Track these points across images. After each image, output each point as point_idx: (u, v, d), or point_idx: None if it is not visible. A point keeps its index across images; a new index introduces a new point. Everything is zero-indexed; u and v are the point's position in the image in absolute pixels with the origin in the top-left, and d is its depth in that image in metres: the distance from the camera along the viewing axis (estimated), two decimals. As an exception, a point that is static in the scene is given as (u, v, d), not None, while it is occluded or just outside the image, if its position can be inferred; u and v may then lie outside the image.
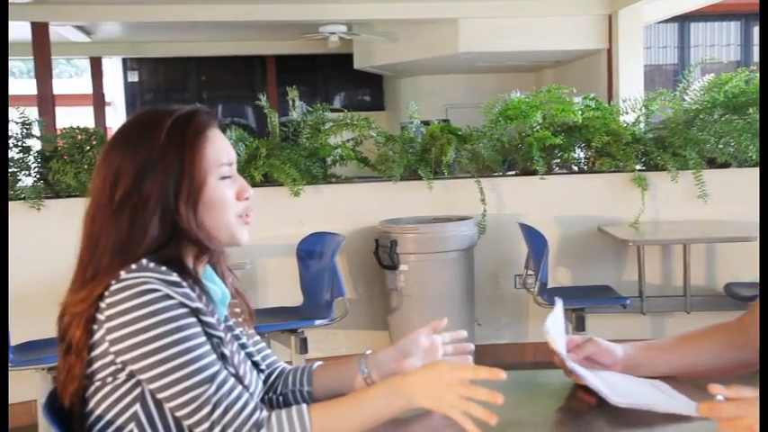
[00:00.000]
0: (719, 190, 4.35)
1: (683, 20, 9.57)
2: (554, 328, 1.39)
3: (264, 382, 1.46)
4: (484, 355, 4.38)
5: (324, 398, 1.38)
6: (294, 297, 4.05)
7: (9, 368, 3.17)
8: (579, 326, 3.93)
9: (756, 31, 9.56)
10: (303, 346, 3.73)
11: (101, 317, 1.20)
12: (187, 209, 1.25)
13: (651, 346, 1.49)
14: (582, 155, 4.73)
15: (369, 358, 1.42)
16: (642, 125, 4.62)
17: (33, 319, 3.49)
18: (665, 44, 10.14)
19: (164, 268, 1.22)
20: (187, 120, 1.29)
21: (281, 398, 1.47)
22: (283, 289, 4.20)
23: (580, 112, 4.56)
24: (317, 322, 3.75)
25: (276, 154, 4.25)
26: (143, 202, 1.24)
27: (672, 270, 4.53)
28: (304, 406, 1.22)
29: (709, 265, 4.51)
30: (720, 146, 4.44)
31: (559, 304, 1.45)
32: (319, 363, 1.49)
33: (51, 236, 3.82)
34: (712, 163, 4.47)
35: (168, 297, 1.19)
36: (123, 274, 1.20)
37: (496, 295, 4.58)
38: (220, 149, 1.30)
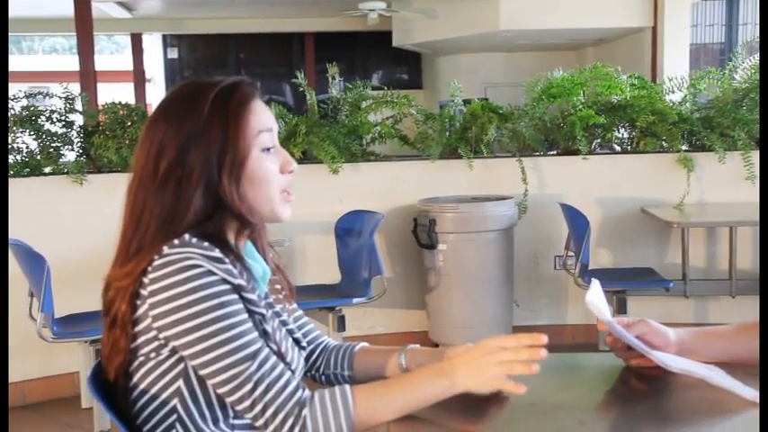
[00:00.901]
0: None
1: (732, -3, 9.32)
2: (596, 299, 1.35)
3: (307, 358, 1.45)
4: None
5: (364, 381, 1.37)
6: (332, 275, 4.04)
7: (52, 340, 3.22)
8: (621, 308, 3.87)
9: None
10: (341, 324, 3.73)
11: (144, 292, 1.19)
12: (230, 182, 1.23)
13: (707, 332, 1.44)
14: (625, 135, 4.64)
15: (409, 353, 1.39)
16: (689, 105, 4.51)
17: (76, 292, 3.54)
18: (711, 22, 9.88)
19: (206, 244, 1.20)
20: (230, 91, 1.27)
21: (323, 377, 1.46)
22: (321, 266, 4.20)
23: (626, 90, 4.46)
24: (355, 300, 3.74)
25: (315, 131, 4.23)
26: (187, 175, 1.22)
27: (717, 253, 4.44)
28: (347, 387, 1.20)
29: (756, 248, 4.40)
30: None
31: (596, 283, 1.41)
32: (362, 344, 1.47)
33: (94, 210, 3.86)
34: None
35: (211, 273, 1.17)
36: (166, 249, 1.18)
37: (535, 276, 4.53)
38: (263, 120, 1.28)
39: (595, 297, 1.36)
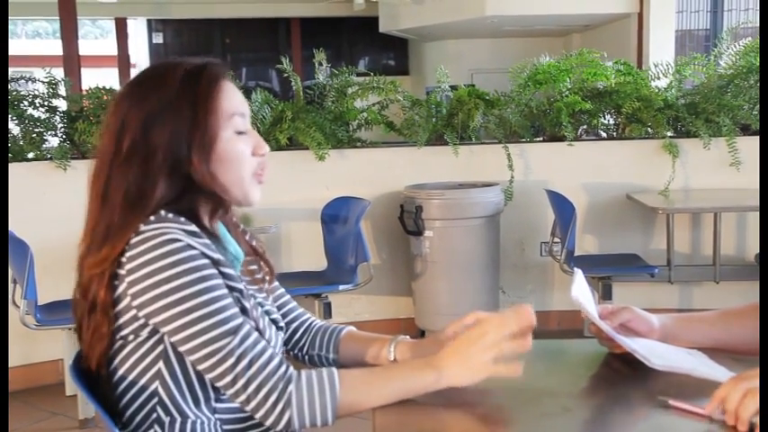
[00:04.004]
0: (753, 157, 4.25)
1: (718, -17, 9.31)
2: (581, 295, 1.36)
3: (290, 337, 1.45)
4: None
5: (348, 366, 1.36)
6: (318, 261, 4.04)
7: (36, 327, 3.20)
8: (606, 294, 3.89)
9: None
10: (327, 311, 3.73)
11: (122, 271, 1.17)
12: (201, 161, 1.21)
13: (691, 318, 1.45)
14: (611, 121, 4.65)
15: (399, 345, 1.38)
16: (674, 91, 4.52)
17: (60, 279, 3.50)
18: (697, 8, 9.87)
19: (182, 219, 1.19)
20: (200, 70, 1.26)
21: (306, 357, 1.46)
22: (307, 253, 4.19)
23: (612, 77, 4.47)
24: (342, 287, 3.74)
25: (301, 117, 4.21)
26: (152, 153, 1.20)
27: (701, 239, 4.46)
28: (335, 369, 1.20)
29: (740, 234, 4.43)
30: (755, 112, 4.33)
31: (579, 273, 1.41)
32: (349, 328, 1.47)
33: (78, 196, 3.81)
34: (746, 130, 4.37)
35: (190, 247, 1.16)
36: (142, 226, 1.17)
37: (521, 262, 4.54)
38: (236, 104, 1.27)
39: (580, 291, 1.36)
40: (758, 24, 8.98)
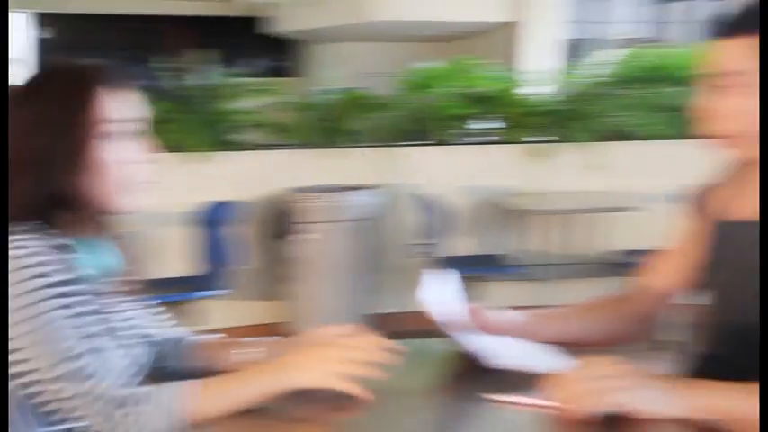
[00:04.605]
0: (622, 162, 4.44)
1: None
2: (433, 297, 1.38)
3: (155, 352, 1.38)
4: (384, 325, 4.36)
5: (205, 375, 1.31)
6: (193, 267, 3.92)
7: None
8: (476, 294, 3.95)
9: (662, 8, 9.78)
10: (200, 317, 3.64)
11: None
12: (65, 169, 1.16)
13: (549, 315, 1.49)
14: (489, 126, 4.75)
15: (252, 347, 1.34)
16: (551, 97, 4.66)
17: None
18: (581, 18, 10.24)
19: (36, 233, 1.13)
20: (75, 76, 1.21)
21: (161, 371, 1.39)
22: (182, 258, 4.06)
23: (494, 83, 4.58)
24: (216, 292, 3.69)
25: (183, 119, 4.10)
26: (21, 161, 1.16)
27: (572, 239, 4.61)
28: (176, 384, 1.15)
29: (607, 234, 4.60)
30: (627, 119, 4.52)
31: (431, 276, 1.43)
32: (204, 337, 1.42)
33: None
34: (618, 136, 4.55)
35: (32, 266, 1.10)
36: None
37: (398, 265, 4.56)
38: (110, 109, 1.21)
39: (432, 296, 1.38)
40: (633, 36, 9.44)
